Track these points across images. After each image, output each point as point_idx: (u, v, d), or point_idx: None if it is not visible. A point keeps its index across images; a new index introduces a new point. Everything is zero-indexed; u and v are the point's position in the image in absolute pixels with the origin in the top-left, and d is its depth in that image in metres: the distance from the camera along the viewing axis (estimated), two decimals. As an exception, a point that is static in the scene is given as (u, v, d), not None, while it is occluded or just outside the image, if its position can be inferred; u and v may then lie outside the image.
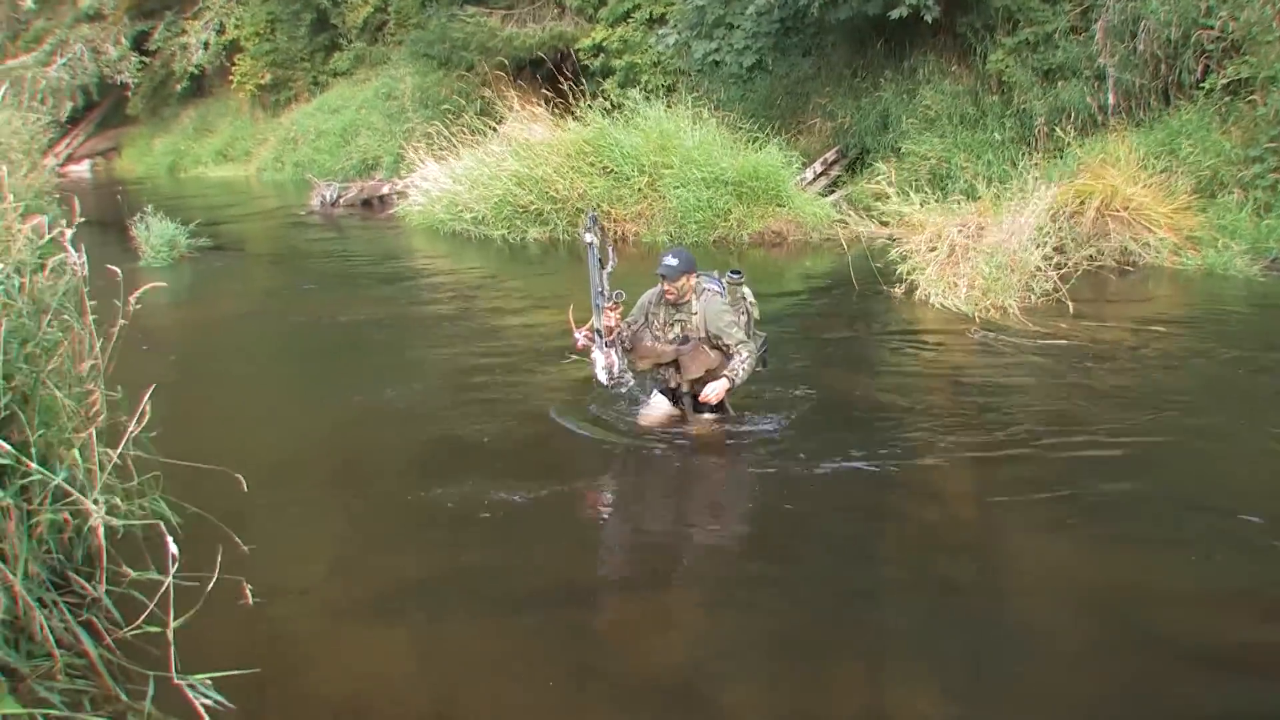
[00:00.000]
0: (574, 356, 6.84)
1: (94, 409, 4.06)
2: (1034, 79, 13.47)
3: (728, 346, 5.81)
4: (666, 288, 5.83)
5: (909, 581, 4.43)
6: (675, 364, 5.95)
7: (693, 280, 5.86)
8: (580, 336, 5.87)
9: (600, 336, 5.80)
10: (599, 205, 13.79)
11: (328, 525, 5.19)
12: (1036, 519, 5.02)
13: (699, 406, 6.08)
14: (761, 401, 6.58)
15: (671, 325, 5.93)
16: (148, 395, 3.63)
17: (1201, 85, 12.06)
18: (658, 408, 6.28)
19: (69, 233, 4.00)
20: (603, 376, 5.85)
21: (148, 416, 3.62)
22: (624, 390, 6.18)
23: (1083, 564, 4.53)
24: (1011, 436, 6.01)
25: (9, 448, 3.03)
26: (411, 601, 4.36)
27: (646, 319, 6.05)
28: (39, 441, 3.49)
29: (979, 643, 3.93)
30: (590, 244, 5.72)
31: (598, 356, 5.82)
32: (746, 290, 6.16)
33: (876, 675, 3.75)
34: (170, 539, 2.83)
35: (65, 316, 4.06)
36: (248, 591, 3.27)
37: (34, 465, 3.20)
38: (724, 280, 6.10)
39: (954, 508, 5.22)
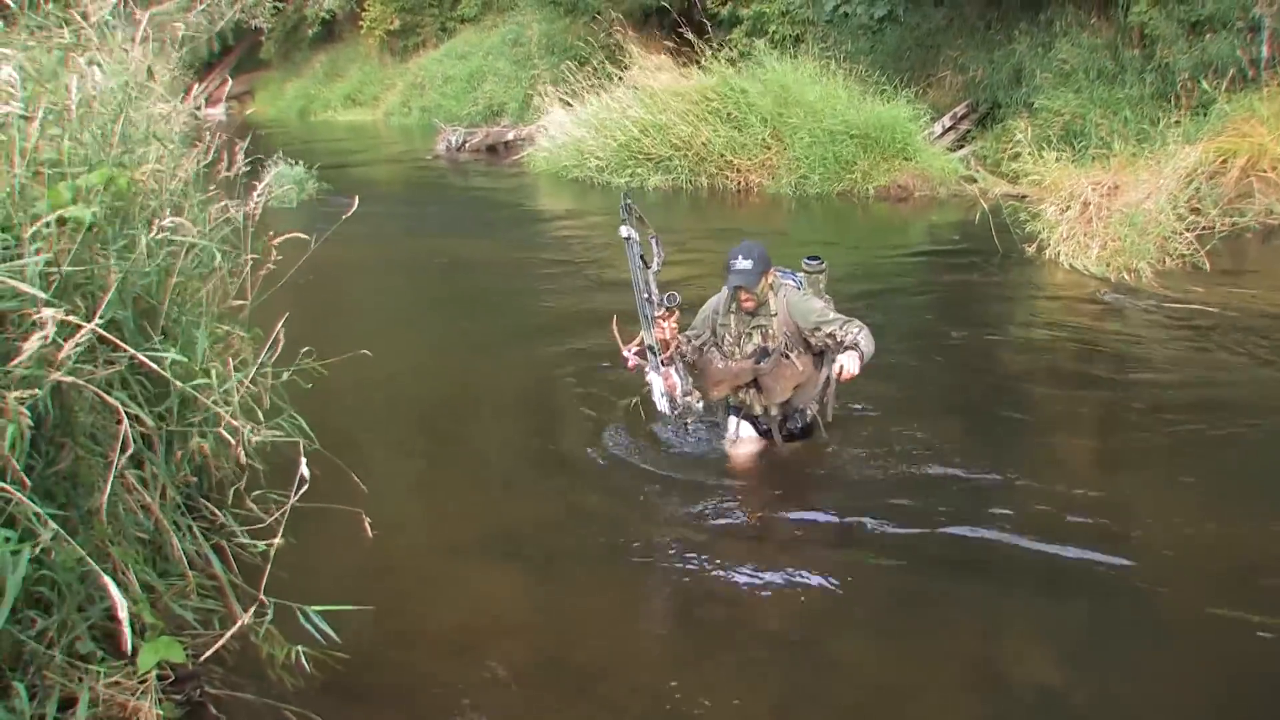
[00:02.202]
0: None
1: (233, 344, 4.27)
2: (1179, 31, 12.86)
3: (830, 339, 4.75)
4: (744, 298, 4.78)
5: (1027, 546, 4.34)
6: (755, 385, 4.98)
7: (771, 277, 4.83)
8: (629, 354, 4.78)
9: (654, 354, 4.72)
10: (721, 155, 13.77)
11: (445, 465, 5.34)
12: (1161, 490, 4.89)
13: (789, 433, 5.19)
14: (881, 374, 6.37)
15: (748, 336, 4.89)
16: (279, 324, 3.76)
17: (1368, 36, 11.40)
18: (747, 442, 5.22)
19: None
20: (663, 405, 4.81)
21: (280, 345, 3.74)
22: (690, 421, 5.15)
23: (1206, 537, 4.39)
24: (1138, 404, 5.89)
25: (155, 367, 3.17)
26: (525, 545, 4.46)
27: (714, 333, 4.99)
28: (177, 370, 3.64)
29: (1097, 612, 3.87)
30: (628, 239, 4.60)
31: (654, 380, 4.76)
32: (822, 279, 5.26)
33: (991, 636, 3.74)
34: (304, 460, 2.93)
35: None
36: (367, 525, 3.38)
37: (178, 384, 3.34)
38: (800, 273, 5.19)
39: (1077, 474, 5.11)
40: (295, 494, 2.92)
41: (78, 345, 2.44)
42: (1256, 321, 7.42)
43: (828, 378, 5.00)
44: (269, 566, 3.02)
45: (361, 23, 31.10)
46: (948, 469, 5.07)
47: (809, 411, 5.12)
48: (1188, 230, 9.08)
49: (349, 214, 4.09)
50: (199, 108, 6.01)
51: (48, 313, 2.27)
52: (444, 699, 3.42)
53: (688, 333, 4.96)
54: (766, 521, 4.76)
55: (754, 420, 5.16)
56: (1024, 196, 10.55)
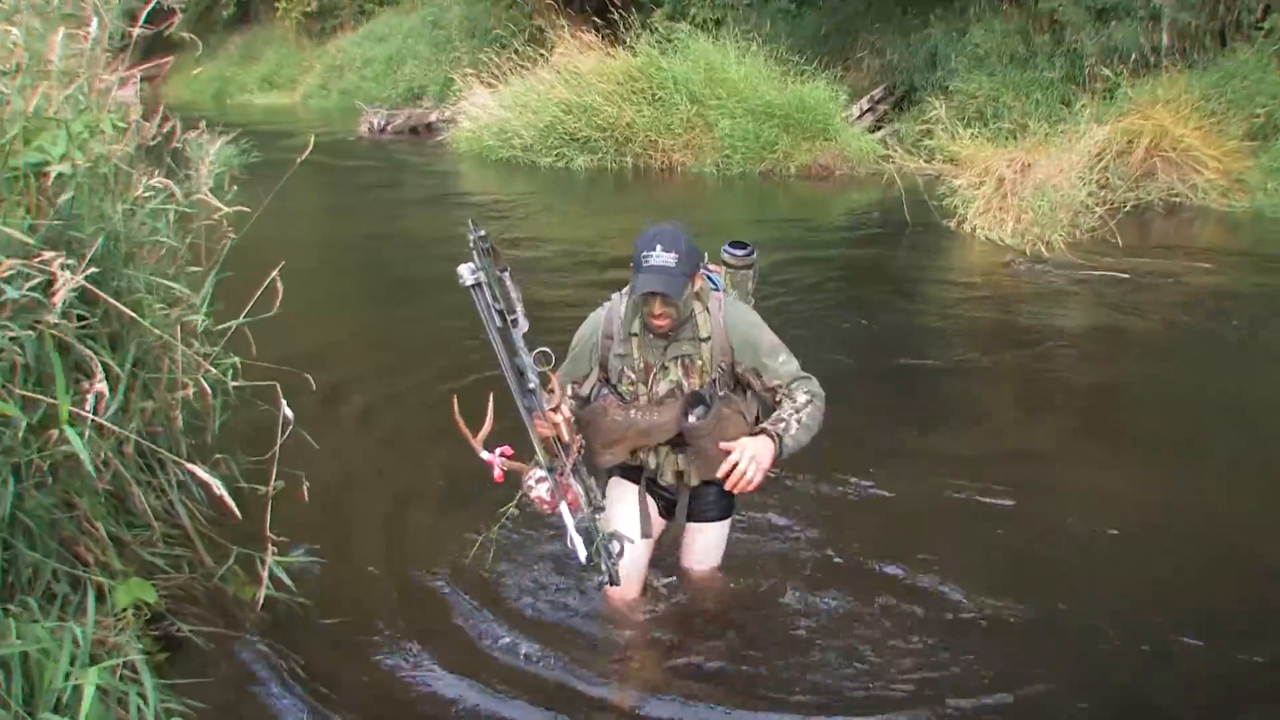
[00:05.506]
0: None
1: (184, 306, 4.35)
2: (1086, 18, 13.35)
3: (774, 389, 3.12)
4: (659, 310, 3.02)
5: (952, 496, 4.50)
6: (676, 444, 3.22)
7: (699, 283, 3.11)
8: (494, 459, 3.00)
9: (550, 470, 2.98)
10: (645, 135, 13.92)
11: (380, 424, 5.41)
12: (1070, 438, 5.20)
13: (700, 509, 3.43)
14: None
15: (662, 370, 3.14)
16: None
17: (1261, 25, 11.94)
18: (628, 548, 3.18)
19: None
20: (582, 550, 3.01)
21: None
22: (614, 562, 3.07)
23: (1110, 476, 4.67)
24: (1050, 362, 6.22)
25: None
26: (466, 496, 4.42)
27: (605, 368, 3.22)
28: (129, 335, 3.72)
29: (1014, 547, 4.10)
30: (475, 286, 2.79)
31: (565, 515, 3.00)
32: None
33: (920, 573, 3.87)
34: (284, 402, 3.05)
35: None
36: (305, 491, 3.50)
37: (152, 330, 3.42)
38: (719, 266, 3.50)
39: (994, 428, 5.42)
40: (281, 435, 3.02)
41: (71, 291, 2.53)
42: (1160, 288, 7.85)
43: (759, 413, 3.30)
44: (268, 510, 3.14)
45: (278, 5, 30.68)
46: (871, 432, 5.17)
47: None
48: (1097, 206, 9.47)
49: (304, 155, 4.13)
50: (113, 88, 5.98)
51: (48, 255, 2.36)
52: (394, 637, 3.53)
53: (564, 372, 3.22)
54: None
55: (659, 490, 3.43)
56: (941, 175, 10.89)
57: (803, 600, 3.70)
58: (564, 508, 2.99)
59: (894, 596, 3.72)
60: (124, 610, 3.07)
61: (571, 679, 3.26)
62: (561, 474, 2.99)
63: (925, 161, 12.04)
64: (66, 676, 2.47)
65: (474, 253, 2.81)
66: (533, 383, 2.88)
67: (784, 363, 3.12)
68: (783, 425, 3.01)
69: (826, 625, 3.56)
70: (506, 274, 2.89)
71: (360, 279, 9.11)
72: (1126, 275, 8.01)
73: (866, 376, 5.98)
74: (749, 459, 2.92)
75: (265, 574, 3.22)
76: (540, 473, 3.02)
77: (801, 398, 3.05)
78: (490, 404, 2.97)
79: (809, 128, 13.56)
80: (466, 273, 2.77)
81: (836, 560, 3.98)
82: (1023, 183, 9.64)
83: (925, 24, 15.01)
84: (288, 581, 3.48)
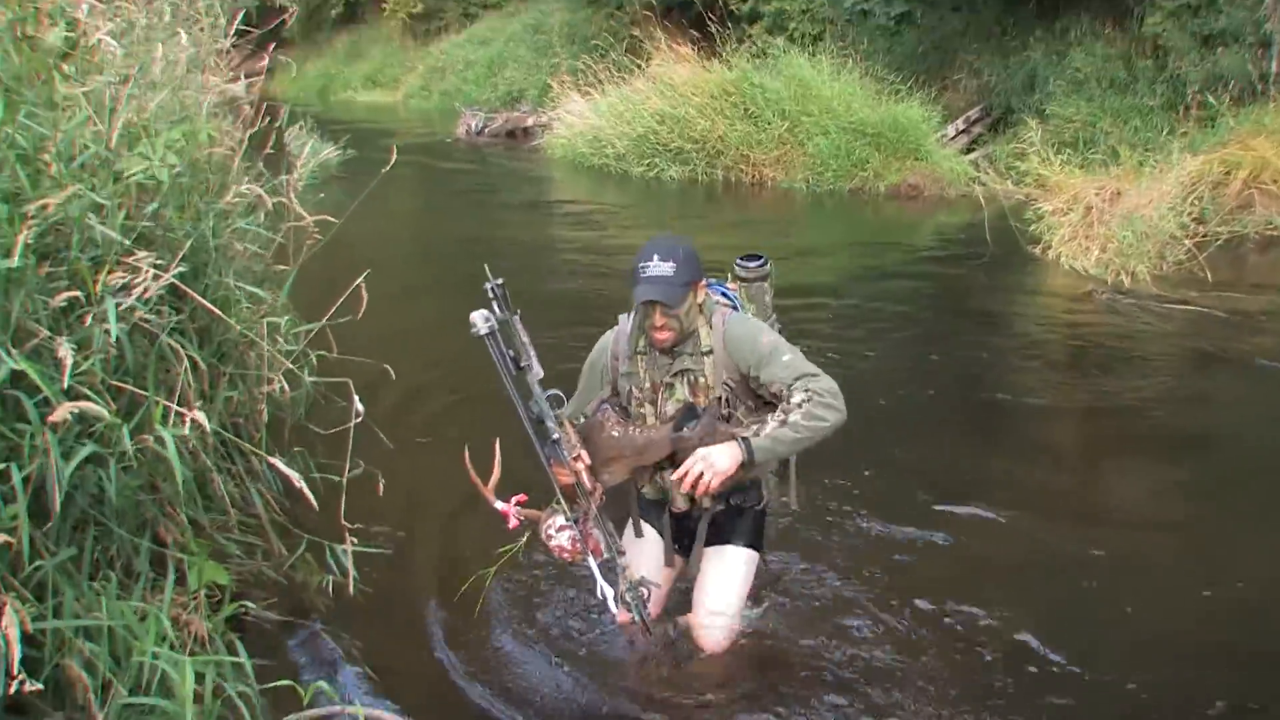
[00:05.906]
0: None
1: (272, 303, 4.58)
2: (1192, 44, 13.09)
3: (778, 393, 3.01)
4: (659, 321, 3.02)
5: (1023, 540, 4.45)
6: (675, 461, 3.06)
7: (701, 294, 3.11)
8: (509, 510, 3.04)
9: (575, 521, 3.03)
10: (737, 149, 14.00)
11: (454, 427, 5.49)
12: (1137, 478, 5.17)
13: (723, 532, 3.33)
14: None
15: (668, 388, 3.14)
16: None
17: (1374, 54, 11.64)
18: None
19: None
20: (613, 603, 3.12)
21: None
22: (644, 611, 3.18)
23: (1197, 527, 4.58)
24: (1123, 398, 6.15)
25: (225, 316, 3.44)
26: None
27: (615, 389, 3.27)
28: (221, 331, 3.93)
29: (1075, 581, 4.07)
30: (489, 335, 2.85)
31: (590, 562, 3.07)
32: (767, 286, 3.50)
33: (984, 622, 3.80)
34: (355, 396, 3.23)
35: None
36: (380, 486, 3.66)
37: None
38: (731, 279, 3.52)
39: (1061, 462, 5.40)
40: (352, 422, 3.20)
41: (161, 288, 2.73)
42: (1247, 321, 7.70)
43: None
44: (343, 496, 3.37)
45: (385, 5, 31.42)
46: (941, 468, 5.16)
47: (763, 488, 3.34)
48: (1187, 238, 9.32)
49: (389, 165, 4.30)
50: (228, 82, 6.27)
51: (141, 254, 2.56)
52: (445, 629, 3.72)
53: (576, 402, 3.27)
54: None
55: (680, 520, 3.35)
56: (1030, 199, 10.81)
57: (852, 647, 3.63)
58: (590, 559, 3.04)
59: (954, 647, 3.65)
60: (197, 590, 3.27)
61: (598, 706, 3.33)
62: (584, 521, 3.02)
63: (1014, 185, 11.95)
64: (155, 656, 2.65)
65: (493, 302, 2.85)
66: (555, 433, 2.91)
67: (786, 364, 2.98)
68: (755, 428, 2.95)
69: (875, 674, 3.49)
70: (517, 319, 2.90)
71: (441, 278, 9.31)
72: (1212, 310, 7.89)
73: (939, 410, 5.99)
74: (699, 459, 2.90)
75: (350, 564, 3.39)
76: (560, 520, 3.03)
77: (796, 397, 2.92)
78: (497, 451, 2.99)
79: (901, 147, 13.55)
80: (480, 321, 2.82)
81: (891, 603, 3.91)
82: (1110, 211, 9.54)
83: (1025, 46, 14.83)
84: (352, 570, 3.64)
